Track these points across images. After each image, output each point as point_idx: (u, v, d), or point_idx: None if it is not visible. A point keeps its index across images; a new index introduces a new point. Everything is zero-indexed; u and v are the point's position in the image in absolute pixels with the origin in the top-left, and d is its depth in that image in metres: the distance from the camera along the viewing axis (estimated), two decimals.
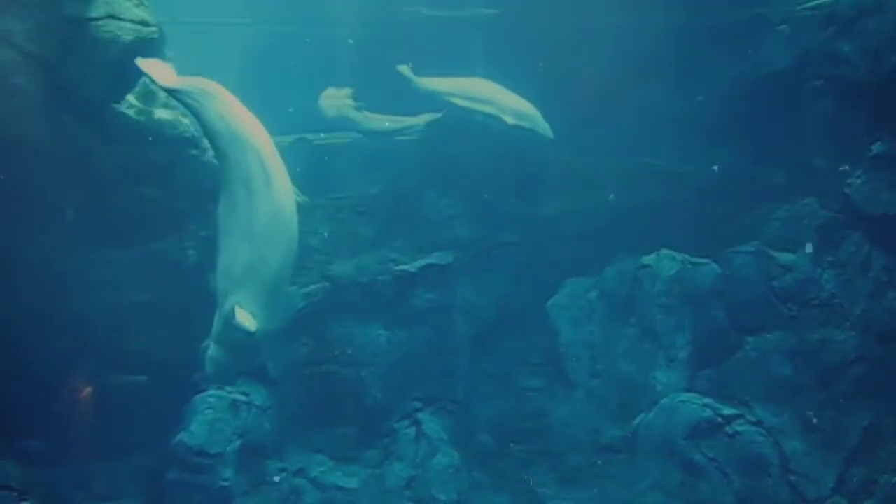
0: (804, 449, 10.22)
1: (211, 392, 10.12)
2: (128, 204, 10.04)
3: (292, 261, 8.48)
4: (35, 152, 9.30)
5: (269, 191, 8.40)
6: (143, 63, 8.79)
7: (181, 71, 10.45)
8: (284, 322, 8.77)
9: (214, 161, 10.46)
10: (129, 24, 9.42)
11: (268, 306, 8.25)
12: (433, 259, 11.10)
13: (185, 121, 10.20)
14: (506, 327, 11.37)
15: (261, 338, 8.32)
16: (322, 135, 13.73)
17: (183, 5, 12.44)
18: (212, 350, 8.51)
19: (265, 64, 14.43)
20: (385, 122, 13.30)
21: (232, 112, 8.57)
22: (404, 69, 11.84)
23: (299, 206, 10.90)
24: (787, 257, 10.77)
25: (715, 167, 11.68)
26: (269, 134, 8.58)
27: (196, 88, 8.56)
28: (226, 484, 9.94)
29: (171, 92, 8.73)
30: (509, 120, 11.43)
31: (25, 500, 9.23)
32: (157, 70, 8.74)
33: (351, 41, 13.15)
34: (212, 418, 9.99)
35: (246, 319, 8.11)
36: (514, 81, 12.18)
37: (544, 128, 11.57)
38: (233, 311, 8.11)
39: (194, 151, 10.27)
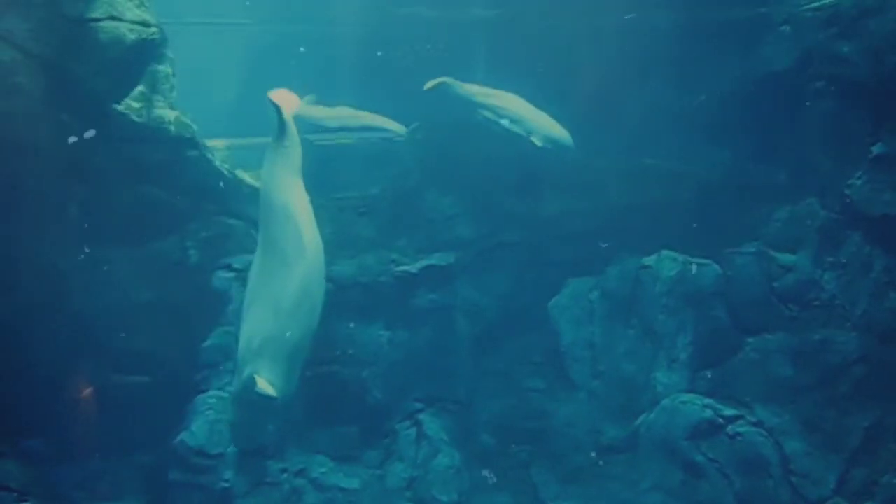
0: (805, 449, 10.22)
1: (212, 392, 10.12)
2: (129, 203, 10.06)
3: (314, 333, 8.62)
4: (36, 152, 9.32)
5: (303, 265, 8.52)
6: (273, 95, 8.99)
7: (180, 70, 10.54)
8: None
9: (214, 161, 10.55)
10: (129, 25, 9.45)
11: (286, 374, 8.38)
12: (434, 259, 11.10)
13: (186, 120, 10.22)
14: (507, 327, 11.37)
15: (281, 402, 8.42)
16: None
17: (184, 5, 12.41)
18: (231, 414, 8.61)
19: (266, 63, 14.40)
20: (343, 115, 13.37)
21: (287, 178, 8.66)
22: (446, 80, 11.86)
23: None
24: (787, 258, 10.77)
25: (719, 166, 11.67)
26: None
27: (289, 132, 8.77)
28: (226, 484, 9.94)
29: (280, 119, 8.90)
30: (537, 142, 11.57)
31: (26, 500, 9.23)
32: (286, 98, 9.02)
33: (302, 49, 13.20)
34: (213, 418, 9.98)
35: (266, 387, 8.23)
36: (515, 81, 12.18)
37: (568, 142, 11.67)
38: (253, 379, 8.21)
39: (195, 151, 10.29)
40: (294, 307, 8.47)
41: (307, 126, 13.04)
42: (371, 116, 12.60)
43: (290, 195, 8.79)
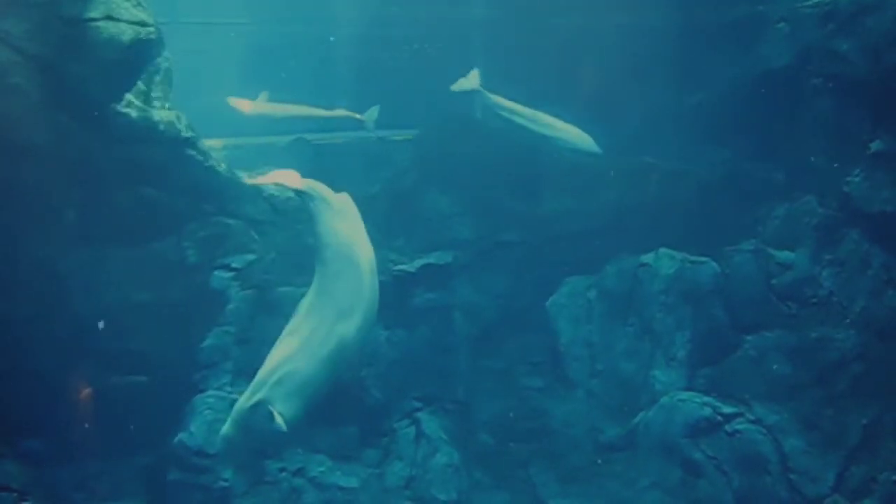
0: (804, 447, 10.21)
1: (210, 392, 10.12)
2: (127, 204, 10.05)
3: (336, 381, 8.78)
4: (34, 152, 9.32)
5: (353, 321, 8.62)
6: (271, 176, 9.18)
7: (179, 71, 10.55)
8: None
9: (213, 161, 10.55)
10: (127, 25, 9.45)
11: (298, 411, 8.45)
12: (433, 259, 11.10)
13: (184, 121, 10.22)
14: (505, 327, 11.37)
15: (285, 437, 8.48)
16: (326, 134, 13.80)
17: (182, 5, 12.45)
18: (227, 429, 8.58)
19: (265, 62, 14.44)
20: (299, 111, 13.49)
21: (345, 230, 8.79)
22: (471, 80, 11.88)
23: (299, 205, 11.03)
24: (786, 255, 10.76)
25: (720, 164, 11.67)
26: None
27: (317, 194, 8.85)
28: (226, 484, 9.94)
29: (297, 193, 9.06)
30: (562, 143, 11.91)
31: (26, 500, 9.23)
32: (284, 177, 9.08)
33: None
34: (211, 419, 9.98)
35: (278, 420, 8.29)
36: (515, 80, 12.20)
37: (595, 148, 11.97)
38: (268, 410, 8.30)
39: (193, 151, 10.29)
40: (332, 357, 8.58)
41: (264, 122, 13.22)
42: (328, 111, 13.08)
43: (344, 238, 8.87)
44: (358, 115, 13.51)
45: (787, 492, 10.07)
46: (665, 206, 11.30)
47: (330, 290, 8.70)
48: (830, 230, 10.67)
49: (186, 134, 10.24)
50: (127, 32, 9.47)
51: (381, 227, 11.33)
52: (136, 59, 9.75)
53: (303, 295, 10.39)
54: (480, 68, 12.27)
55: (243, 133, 13.32)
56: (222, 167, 10.66)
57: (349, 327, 8.61)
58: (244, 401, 8.53)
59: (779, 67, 11.41)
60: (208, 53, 13.54)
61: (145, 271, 10.19)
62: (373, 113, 13.48)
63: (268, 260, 10.60)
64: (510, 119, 12.08)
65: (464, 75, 12.11)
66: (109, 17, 9.38)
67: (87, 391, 9.96)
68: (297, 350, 8.53)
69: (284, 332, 8.78)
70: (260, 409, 8.33)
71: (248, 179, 9.38)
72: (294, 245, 10.77)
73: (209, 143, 10.76)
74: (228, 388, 10.17)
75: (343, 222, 8.92)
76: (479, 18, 13.89)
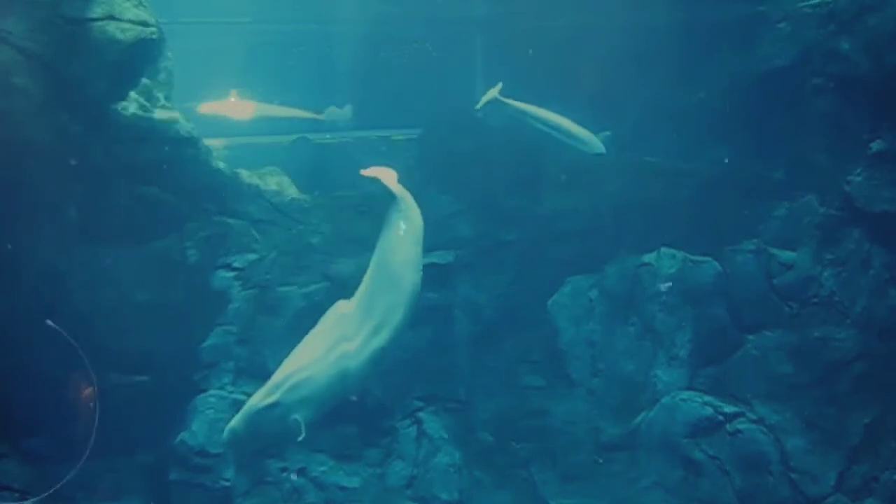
0: (805, 446, 10.21)
1: (212, 392, 10.14)
2: (128, 203, 10.06)
3: (352, 393, 8.86)
4: (35, 152, 9.32)
5: (383, 339, 8.69)
6: (372, 170, 9.29)
7: (178, 72, 10.55)
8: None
9: (213, 161, 10.56)
10: (128, 25, 9.46)
11: (309, 418, 8.48)
12: (434, 258, 11.07)
13: (184, 120, 10.22)
14: (507, 326, 11.35)
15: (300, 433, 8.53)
16: (328, 135, 13.82)
17: (183, 5, 12.43)
18: (236, 423, 8.59)
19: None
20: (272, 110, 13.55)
21: (407, 251, 9.02)
22: (492, 93, 12.02)
23: (301, 205, 11.06)
24: (787, 255, 10.75)
25: (725, 160, 11.67)
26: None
27: (403, 207, 9.10)
28: (227, 483, 9.96)
29: (387, 193, 9.18)
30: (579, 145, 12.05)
31: (28, 499, 9.24)
32: (384, 174, 9.23)
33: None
34: (213, 418, 10.00)
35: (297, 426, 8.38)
36: (514, 80, 12.20)
37: (602, 149, 12.12)
38: (296, 419, 8.38)
39: (193, 151, 10.29)
40: (352, 372, 8.64)
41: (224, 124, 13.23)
42: (296, 111, 13.33)
43: (405, 267, 8.94)
44: (318, 115, 13.52)
45: (788, 491, 10.07)
46: (666, 206, 11.27)
47: (373, 303, 8.75)
48: (832, 230, 10.66)
49: (187, 133, 10.24)
50: (128, 32, 9.48)
51: (381, 226, 11.34)
52: (137, 59, 9.77)
53: (306, 295, 10.46)
54: (480, 68, 12.29)
55: (243, 132, 13.35)
56: (223, 166, 10.66)
57: (379, 344, 8.64)
58: (259, 398, 8.53)
59: (780, 67, 11.40)
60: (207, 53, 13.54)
61: (146, 271, 10.21)
62: (332, 112, 13.51)
63: (269, 259, 10.60)
64: (534, 124, 12.14)
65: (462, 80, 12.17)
66: (111, 17, 9.39)
67: (88, 390, 9.95)
68: (322, 356, 8.54)
69: (313, 333, 8.79)
70: (274, 411, 8.33)
71: (364, 172, 9.32)
72: (296, 245, 10.78)
73: (210, 143, 10.76)
74: (230, 388, 10.18)
75: (408, 244, 8.97)
76: (480, 17, 13.90)
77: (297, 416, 8.35)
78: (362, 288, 8.95)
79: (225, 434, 8.67)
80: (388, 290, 8.85)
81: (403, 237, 9.02)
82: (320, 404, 8.51)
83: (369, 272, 9.02)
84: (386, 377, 10.68)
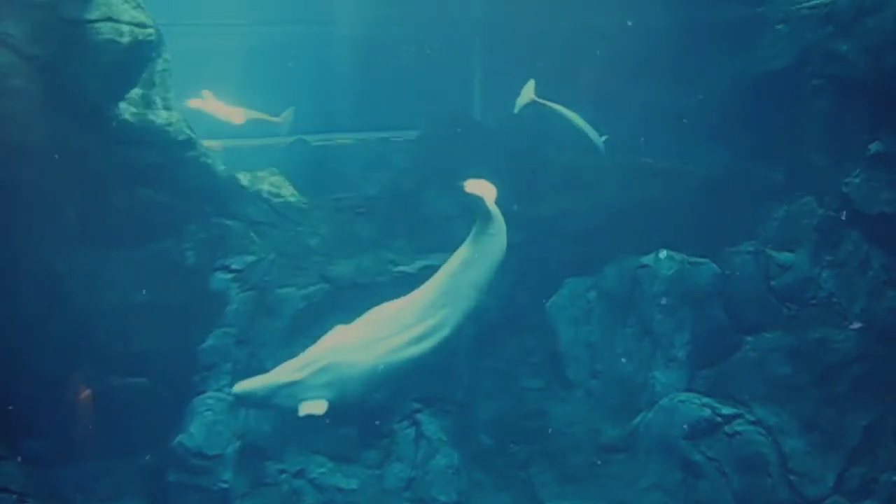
0: (804, 448, 10.20)
1: (210, 393, 10.13)
2: (127, 205, 10.08)
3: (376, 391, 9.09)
4: (33, 154, 9.33)
5: (425, 349, 8.88)
6: (471, 184, 9.20)
7: (179, 71, 10.56)
8: None
9: (211, 163, 10.57)
10: (126, 27, 9.47)
11: (331, 402, 8.59)
12: (433, 260, 11.03)
13: (183, 123, 10.23)
14: (505, 327, 11.35)
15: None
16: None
17: (181, 7, 12.46)
18: (254, 385, 8.74)
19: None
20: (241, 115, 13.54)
21: (483, 273, 9.09)
22: (528, 91, 12.03)
23: (299, 207, 11.08)
24: (785, 256, 10.74)
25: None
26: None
27: (494, 229, 9.10)
28: (225, 485, 9.95)
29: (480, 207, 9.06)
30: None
31: (26, 501, 9.24)
32: (483, 188, 9.14)
33: None
34: (211, 420, 10.00)
35: (317, 408, 8.52)
36: (514, 80, 12.19)
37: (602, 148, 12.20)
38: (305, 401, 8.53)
39: (192, 153, 10.30)
40: (384, 371, 8.75)
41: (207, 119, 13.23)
42: (256, 113, 13.37)
43: (473, 289, 8.94)
44: (273, 118, 13.51)
45: (787, 493, 10.06)
46: (665, 207, 11.29)
47: (427, 312, 8.79)
48: (830, 231, 10.65)
49: (185, 135, 10.25)
50: (126, 34, 9.49)
51: (380, 228, 11.37)
52: (135, 61, 9.79)
53: (305, 297, 10.46)
54: (481, 67, 12.28)
55: (243, 135, 13.36)
56: (222, 168, 10.67)
57: (418, 352, 8.65)
58: (285, 371, 8.57)
59: (779, 68, 11.41)
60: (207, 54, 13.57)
61: (145, 272, 10.22)
62: (289, 115, 13.52)
63: (268, 261, 10.60)
64: (566, 121, 12.17)
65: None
66: (109, 19, 9.41)
67: (87, 392, 9.97)
68: (358, 347, 8.52)
69: (362, 319, 8.80)
70: (294, 389, 8.28)
71: (465, 186, 9.23)
72: (294, 246, 10.79)
73: (208, 145, 10.78)
74: (228, 390, 10.16)
75: (484, 267, 9.01)
76: (479, 19, 13.90)
77: (314, 395, 8.31)
78: (421, 292, 8.90)
79: (238, 389, 8.78)
80: (447, 305, 8.87)
81: (481, 259, 8.97)
82: (343, 393, 8.52)
83: (437, 279, 8.97)
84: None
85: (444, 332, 8.81)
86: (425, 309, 8.85)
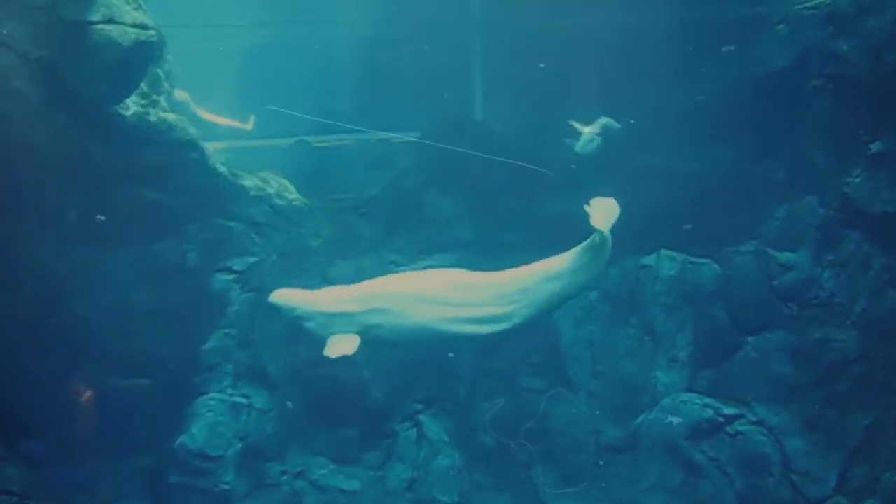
0: (805, 448, 10.21)
1: (212, 395, 10.15)
2: (128, 206, 10.07)
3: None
4: (35, 155, 9.33)
5: (487, 335, 8.79)
6: (596, 202, 8.89)
7: (179, 72, 10.55)
8: None
9: (213, 164, 10.57)
10: (127, 28, 9.45)
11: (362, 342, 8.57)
12: (434, 260, 11.06)
13: (184, 123, 10.23)
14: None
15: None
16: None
17: (182, 8, 12.44)
18: (299, 304, 8.72)
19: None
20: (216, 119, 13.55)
21: (569, 289, 8.92)
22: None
23: (301, 208, 11.07)
24: (787, 256, 10.75)
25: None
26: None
27: (599, 254, 8.86)
28: (227, 487, 9.96)
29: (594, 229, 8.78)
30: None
31: (27, 503, 9.24)
32: (606, 207, 8.89)
33: None
34: (212, 421, 10.01)
35: (347, 346, 8.49)
36: (513, 81, 12.19)
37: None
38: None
39: (194, 154, 10.30)
40: (433, 338, 8.71)
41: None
42: (223, 118, 13.36)
43: (555, 298, 8.90)
44: (241, 124, 13.51)
45: (789, 493, 10.08)
46: (666, 207, 11.28)
47: (500, 298, 8.69)
48: (831, 231, 10.65)
49: (187, 136, 10.24)
50: (128, 35, 9.47)
51: (382, 228, 11.36)
52: (136, 62, 9.77)
53: None
54: (481, 67, 12.27)
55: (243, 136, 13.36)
56: (223, 169, 10.66)
57: (471, 332, 8.62)
58: (331, 297, 8.58)
59: (779, 69, 11.39)
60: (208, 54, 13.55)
61: (146, 273, 10.22)
62: (252, 121, 13.55)
63: (269, 262, 10.61)
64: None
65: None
66: (110, 20, 9.39)
67: (88, 393, 9.96)
68: (418, 301, 8.52)
69: (430, 274, 8.83)
70: (340, 320, 8.34)
71: (590, 206, 8.89)
72: (295, 247, 10.79)
73: (210, 146, 10.77)
74: (230, 391, 10.19)
75: (574, 284, 8.90)
76: (479, 19, 13.90)
77: (353, 331, 8.32)
78: (505, 277, 8.79)
79: (275, 298, 8.78)
80: (522, 300, 8.74)
81: (574, 277, 8.86)
82: (387, 340, 8.44)
83: (519, 274, 8.84)
84: (386, 379, 10.71)
85: (505, 326, 8.72)
86: (501, 297, 8.72)
